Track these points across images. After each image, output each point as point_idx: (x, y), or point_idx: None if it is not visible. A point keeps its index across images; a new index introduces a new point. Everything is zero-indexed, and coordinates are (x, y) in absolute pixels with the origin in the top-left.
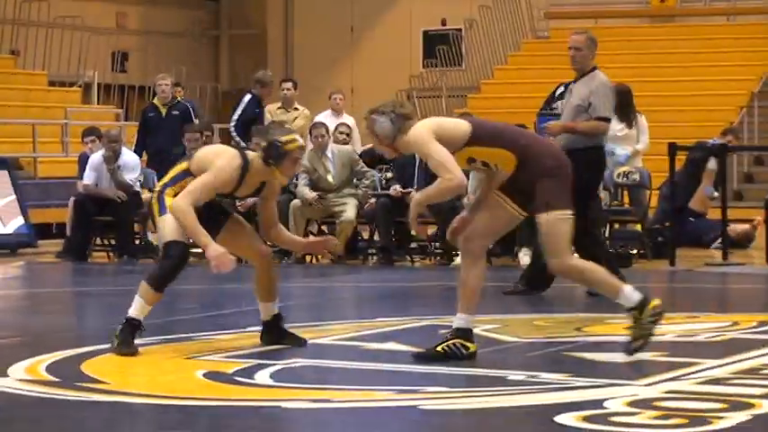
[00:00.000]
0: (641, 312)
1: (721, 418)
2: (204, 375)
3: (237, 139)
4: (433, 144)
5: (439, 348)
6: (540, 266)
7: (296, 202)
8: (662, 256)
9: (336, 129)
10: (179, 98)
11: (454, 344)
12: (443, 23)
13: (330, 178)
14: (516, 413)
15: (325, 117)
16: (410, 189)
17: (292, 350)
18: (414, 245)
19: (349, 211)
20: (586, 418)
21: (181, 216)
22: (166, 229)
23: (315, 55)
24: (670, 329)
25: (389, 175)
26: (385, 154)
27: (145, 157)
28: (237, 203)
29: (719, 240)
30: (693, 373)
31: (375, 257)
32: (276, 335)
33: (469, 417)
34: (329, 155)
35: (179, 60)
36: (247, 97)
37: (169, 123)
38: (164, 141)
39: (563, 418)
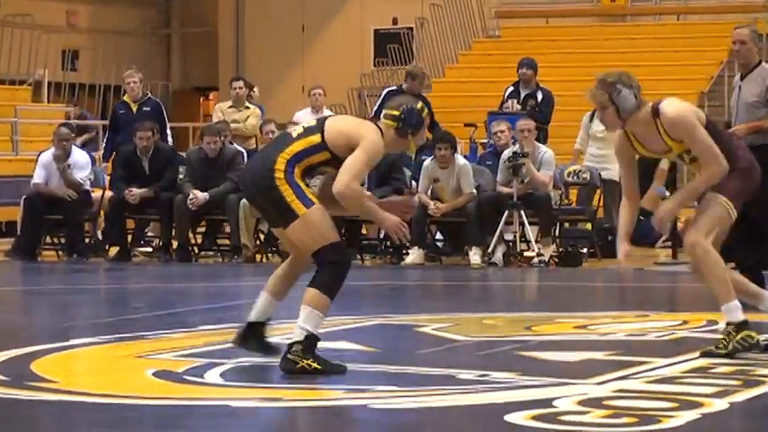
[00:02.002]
0: (738, 331)
1: (671, 416)
2: (154, 374)
3: None
4: (700, 129)
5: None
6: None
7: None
8: (612, 255)
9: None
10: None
11: (743, 337)
12: (394, 22)
13: None
14: (466, 412)
15: (305, 114)
16: None
17: (242, 350)
18: (364, 243)
19: None
20: (536, 417)
21: (357, 202)
22: (322, 226)
23: (266, 54)
24: (620, 328)
25: None
26: (608, 126)
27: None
28: (189, 201)
29: (663, 239)
30: (643, 372)
31: None
32: (258, 343)
33: (419, 416)
34: None
35: (130, 59)
36: (385, 92)
37: (141, 120)
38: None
39: (513, 417)
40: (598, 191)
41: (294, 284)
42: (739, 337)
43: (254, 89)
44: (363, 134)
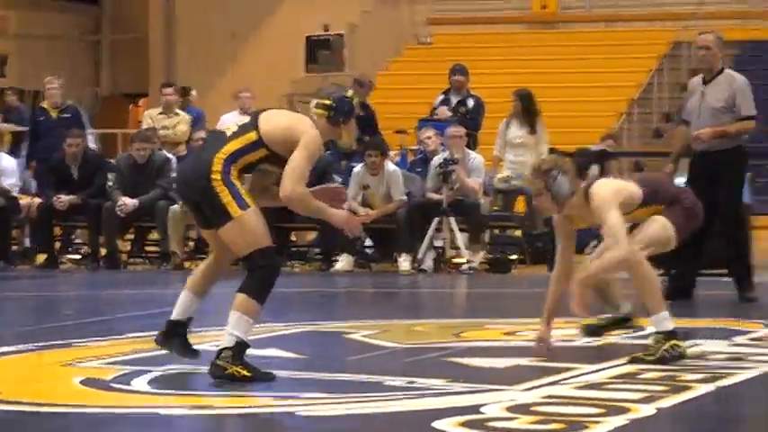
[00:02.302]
0: (667, 339)
1: (598, 422)
2: (81, 382)
3: None
4: (614, 212)
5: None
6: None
7: (175, 207)
8: (541, 262)
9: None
10: (70, 101)
11: (672, 346)
12: (326, 29)
13: None
14: (394, 419)
15: (232, 117)
16: None
17: (170, 356)
18: (293, 250)
19: None
20: (464, 424)
21: (304, 204)
22: (256, 230)
23: (197, 60)
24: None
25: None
26: (545, 211)
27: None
28: (117, 208)
29: (592, 245)
30: (571, 377)
31: None
32: (180, 343)
33: (348, 423)
34: None
35: (59, 65)
36: None
37: (60, 126)
38: (56, 144)
39: (441, 424)
40: (521, 197)
41: (215, 283)
42: (668, 345)
43: (193, 92)
44: (301, 129)
